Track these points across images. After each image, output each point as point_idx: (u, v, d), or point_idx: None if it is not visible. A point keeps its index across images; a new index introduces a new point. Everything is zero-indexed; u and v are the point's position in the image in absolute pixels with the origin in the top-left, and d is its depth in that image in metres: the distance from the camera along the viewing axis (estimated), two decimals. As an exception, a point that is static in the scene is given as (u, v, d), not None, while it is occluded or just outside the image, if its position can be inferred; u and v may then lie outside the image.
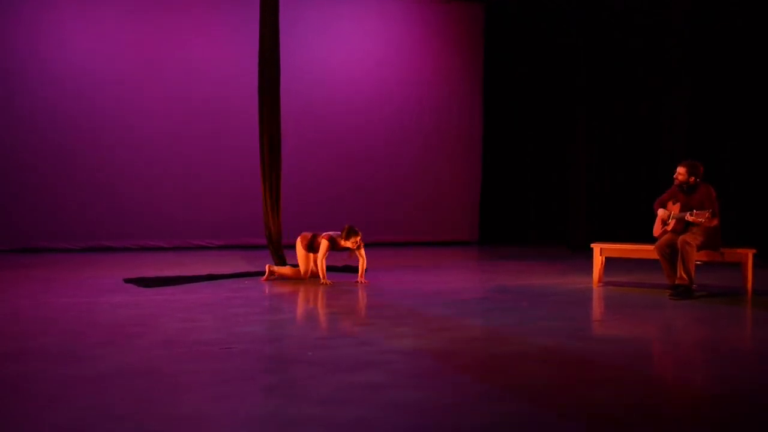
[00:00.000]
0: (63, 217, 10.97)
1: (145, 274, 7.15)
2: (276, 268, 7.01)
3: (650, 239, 6.14)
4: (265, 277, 6.87)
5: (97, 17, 11.29)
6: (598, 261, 6.55)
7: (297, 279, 6.85)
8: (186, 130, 11.74)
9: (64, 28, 11.11)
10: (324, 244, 6.60)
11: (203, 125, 11.83)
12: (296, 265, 7.08)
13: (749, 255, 5.79)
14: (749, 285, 5.77)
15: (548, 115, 13.67)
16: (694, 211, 5.57)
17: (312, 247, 6.76)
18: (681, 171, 5.86)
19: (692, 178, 5.80)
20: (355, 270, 7.84)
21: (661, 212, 6.01)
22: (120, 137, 11.34)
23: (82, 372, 3.11)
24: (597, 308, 5.34)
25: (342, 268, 7.79)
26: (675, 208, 5.87)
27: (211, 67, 11.85)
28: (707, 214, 5.49)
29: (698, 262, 5.95)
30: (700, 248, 5.69)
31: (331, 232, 6.69)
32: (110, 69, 11.30)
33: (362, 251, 6.75)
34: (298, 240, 6.87)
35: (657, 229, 6.05)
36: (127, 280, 6.60)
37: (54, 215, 10.91)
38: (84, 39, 11.19)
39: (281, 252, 7.59)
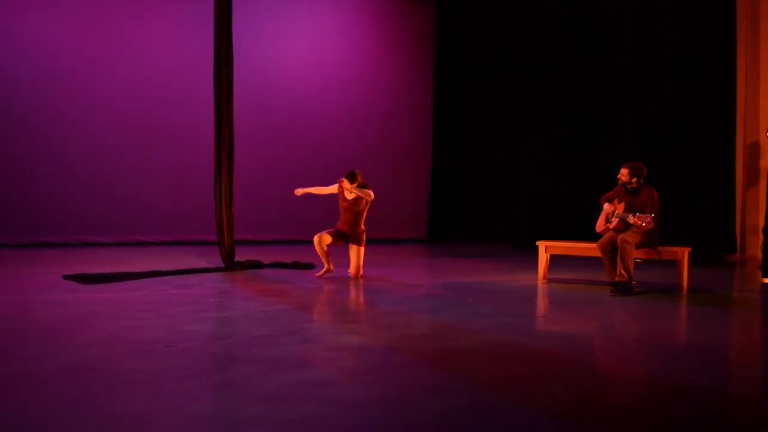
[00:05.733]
0: (-2, 212, 10.56)
1: (86, 270, 6.93)
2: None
3: (594, 237, 6.31)
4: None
5: (55, 12, 10.96)
6: (543, 258, 6.73)
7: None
8: (132, 124, 11.45)
9: (23, 21, 10.72)
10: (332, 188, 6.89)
11: (150, 121, 11.55)
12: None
13: (685, 253, 6.04)
14: (684, 282, 6.02)
15: (499, 115, 13.89)
16: (638, 214, 5.75)
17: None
18: (624, 172, 6.02)
19: (634, 180, 5.96)
20: (304, 267, 7.82)
21: (606, 206, 6.16)
22: (61, 131, 10.99)
23: (23, 371, 3.00)
24: (542, 304, 5.46)
25: (291, 264, 7.74)
26: (619, 208, 6.04)
27: (165, 64, 11.60)
28: (648, 219, 5.66)
29: (637, 260, 6.18)
30: (638, 246, 5.91)
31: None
32: (54, 65, 10.94)
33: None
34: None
35: (600, 224, 6.20)
36: (67, 277, 6.39)
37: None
38: (37, 33, 10.78)
39: (233, 258, 7.47)
